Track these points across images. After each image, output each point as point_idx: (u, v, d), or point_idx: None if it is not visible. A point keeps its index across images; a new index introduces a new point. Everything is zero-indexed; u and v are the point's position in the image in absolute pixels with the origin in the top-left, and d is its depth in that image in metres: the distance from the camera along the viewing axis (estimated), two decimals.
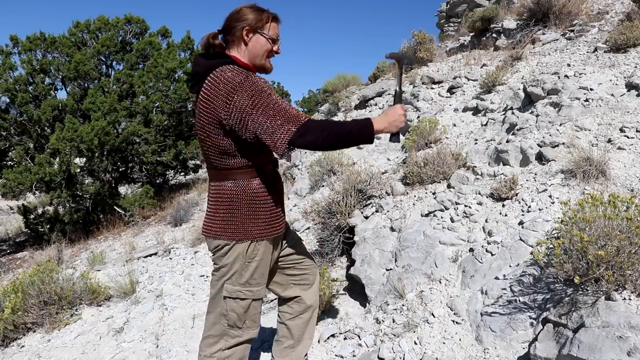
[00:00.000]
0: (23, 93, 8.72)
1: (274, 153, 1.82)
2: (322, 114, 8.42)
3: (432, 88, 6.34)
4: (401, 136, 1.86)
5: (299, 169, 6.62)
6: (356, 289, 3.27)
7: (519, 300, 2.30)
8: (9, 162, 9.42)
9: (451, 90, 5.97)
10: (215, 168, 1.76)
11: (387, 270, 3.11)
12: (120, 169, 10.10)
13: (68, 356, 3.15)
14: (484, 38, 7.55)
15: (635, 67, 4.03)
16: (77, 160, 8.79)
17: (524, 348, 2.13)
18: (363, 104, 7.60)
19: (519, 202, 3.01)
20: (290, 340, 2.15)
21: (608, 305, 1.84)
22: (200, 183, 9.09)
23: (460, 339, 2.36)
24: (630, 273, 1.91)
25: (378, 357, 2.37)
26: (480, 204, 3.20)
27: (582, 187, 2.92)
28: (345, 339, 2.72)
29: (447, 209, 3.32)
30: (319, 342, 2.72)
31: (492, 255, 2.69)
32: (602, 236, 1.95)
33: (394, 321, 2.63)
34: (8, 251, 9.02)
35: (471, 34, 8.24)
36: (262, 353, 2.74)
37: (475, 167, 3.75)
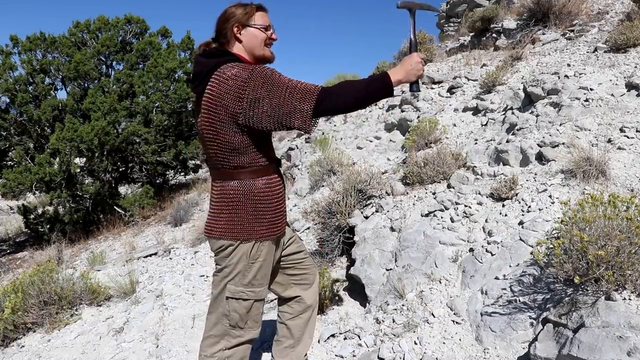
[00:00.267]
0: (23, 93, 8.71)
1: (275, 153, 1.84)
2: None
3: (432, 88, 6.34)
4: (418, 86, 1.82)
5: (299, 169, 6.62)
6: (356, 289, 3.27)
7: (519, 300, 2.30)
8: (9, 162, 9.41)
9: (451, 90, 5.97)
10: (220, 168, 1.75)
11: (387, 270, 3.11)
12: (120, 169, 10.10)
13: (68, 356, 3.15)
14: (484, 38, 7.55)
15: (635, 67, 4.03)
16: (77, 160, 8.78)
17: (524, 348, 2.13)
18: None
19: (519, 202, 3.01)
20: (290, 340, 2.15)
21: (608, 305, 1.84)
22: (200, 183, 9.09)
23: (460, 339, 2.36)
24: (630, 273, 1.91)
25: (378, 357, 2.37)
26: (480, 204, 3.20)
27: (582, 187, 2.92)
28: (345, 339, 2.72)
29: (447, 209, 3.32)
30: (319, 342, 2.72)
31: (492, 255, 2.69)
32: (602, 236, 1.95)
33: (394, 321, 2.63)
34: (8, 251, 9.02)
35: (471, 34, 8.24)
36: (262, 353, 2.74)
37: (475, 167, 3.75)
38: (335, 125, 7.53)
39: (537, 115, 3.96)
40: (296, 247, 2.07)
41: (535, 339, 2.02)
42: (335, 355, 2.56)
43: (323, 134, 7.31)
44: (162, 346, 3.05)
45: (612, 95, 3.77)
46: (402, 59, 1.74)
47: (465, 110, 5.25)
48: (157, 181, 10.75)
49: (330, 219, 3.84)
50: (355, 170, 4.42)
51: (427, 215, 3.35)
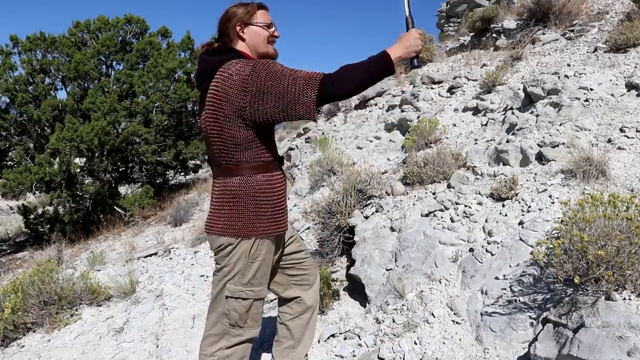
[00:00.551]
0: (23, 93, 8.71)
1: (276, 151, 1.84)
2: (322, 114, 8.42)
3: (432, 88, 6.34)
4: (418, 61, 1.80)
5: (299, 169, 6.62)
6: (356, 289, 3.27)
7: (519, 300, 2.30)
8: (9, 162, 9.41)
9: (451, 90, 5.97)
10: (223, 165, 1.76)
11: (387, 270, 3.11)
12: (120, 169, 10.09)
13: (68, 356, 3.15)
14: (484, 38, 7.56)
15: (635, 67, 4.03)
16: (77, 160, 8.78)
17: (524, 348, 2.13)
18: (363, 103, 7.60)
19: (519, 202, 3.01)
20: (290, 341, 2.15)
21: (608, 305, 1.84)
22: (200, 183, 9.10)
23: (460, 339, 2.36)
24: (630, 273, 1.91)
25: (378, 357, 2.37)
26: (480, 204, 3.20)
27: (582, 187, 2.92)
28: (345, 339, 2.72)
29: (447, 209, 3.32)
30: (319, 342, 2.72)
31: (492, 255, 2.69)
32: (602, 236, 1.95)
33: (394, 321, 2.63)
34: (8, 251, 9.02)
35: (471, 34, 8.24)
36: (262, 353, 2.74)
37: (475, 167, 3.75)
38: (335, 125, 7.53)
39: (537, 115, 3.96)
40: (297, 246, 2.07)
41: (535, 339, 2.02)
42: (335, 355, 2.56)
43: (323, 134, 7.31)
44: (162, 346, 3.05)
45: (612, 95, 3.77)
46: (400, 36, 1.73)
47: (465, 110, 5.25)
48: (157, 181, 10.75)
49: (330, 219, 3.84)
50: (355, 170, 4.42)
51: (427, 215, 3.35)
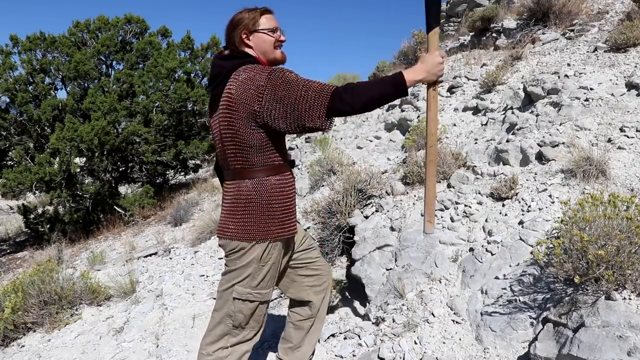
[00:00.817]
0: (23, 93, 8.71)
1: (288, 154, 1.87)
2: (335, 125, 8.43)
3: None
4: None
5: (299, 169, 6.62)
6: (356, 289, 3.27)
7: (519, 300, 2.30)
8: (9, 162, 9.41)
9: (451, 89, 5.97)
10: (236, 167, 1.76)
11: (387, 270, 3.11)
12: (120, 169, 10.09)
13: (68, 356, 3.15)
14: (484, 38, 7.55)
15: (635, 66, 4.03)
16: (77, 160, 8.78)
17: (524, 348, 2.13)
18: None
19: (519, 202, 3.01)
20: (296, 340, 2.16)
21: (608, 304, 1.84)
22: (200, 183, 9.09)
23: (460, 339, 2.36)
24: (630, 273, 1.91)
25: (378, 356, 2.37)
26: (480, 203, 3.20)
27: (582, 186, 2.92)
28: (345, 338, 2.72)
29: (447, 208, 3.32)
30: (319, 341, 2.72)
31: (492, 254, 2.69)
32: (602, 236, 1.95)
33: (394, 321, 2.63)
34: (8, 251, 9.02)
35: (471, 34, 8.24)
36: (262, 353, 2.74)
37: (475, 166, 3.75)
38: (335, 125, 7.53)
39: (537, 115, 3.96)
40: (308, 246, 2.07)
41: (535, 339, 2.02)
42: (335, 355, 2.56)
43: (323, 133, 7.31)
44: (162, 346, 3.05)
45: (612, 94, 3.77)
46: (422, 57, 1.70)
47: (465, 109, 5.25)
48: (157, 181, 10.75)
49: (330, 219, 3.84)
50: (355, 170, 4.42)
51: None
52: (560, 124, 3.65)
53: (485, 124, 4.64)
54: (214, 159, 2.09)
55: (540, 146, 3.48)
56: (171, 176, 11.29)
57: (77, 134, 7.93)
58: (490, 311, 2.36)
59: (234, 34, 1.77)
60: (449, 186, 3.62)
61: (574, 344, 1.78)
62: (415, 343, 2.41)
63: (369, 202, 3.90)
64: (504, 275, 2.50)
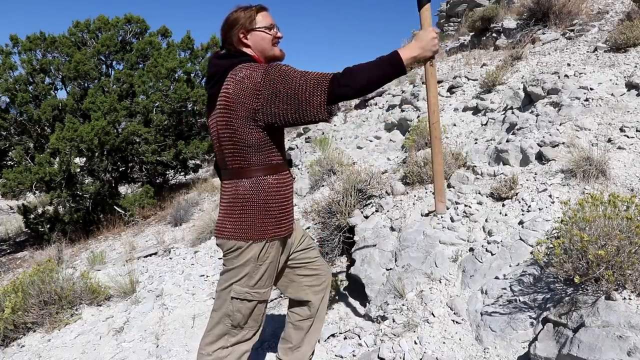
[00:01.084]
0: (23, 93, 8.71)
1: (285, 152, 1.86)
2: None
3: None
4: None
5: (299, 169, 6.62)
6: (356, 289, 3.27)
7: (519, 300, 2.30)
8: (9, 162, 9.42)
9: (451, 89, 5.97)
10: (234, 167, 1.76)
11: (387, 270, 3.11)
12: (120, 169, 10.10)
13: (68, 356, 3.15)
14: (484, 38, 7.55)
15: (635, 66, 4.03)
16: (77, 160, 8.78)
17: (524, 348, 2.13)
18: (363, 103, 7.60)
19: (519, 202, 3.01)
20: (296, 341, 2.16)
21: (608, 304, 1.84)
22: (200, 183, 9.09)
23: (460, 339, 2.36)
24: (630, 273, 1.91)
25: (378, 356, 2.37)
26: (480, 203, 3.20)
27: (582, 186, 2.92)
28: (345, 338, 2.72)
29: (447, 208, 3.32)
30: (319, 342, 2.72)
31: (492, 255, 2.69)
32: (602, 236, 1.95)
33: (394, 321, 2.63)
34: (8, 251, 9.02)
35: (471, 34, 8.24)
36: (262, 353, 2.74)
37: (475, 166, 3.75)
38: (335, 125, 7.53)
39: (537, 115, 3.96)
40: (306, 246, 2.07)
41: (535, 339, 2.02)
42: (335, 355, 2.56)
43: (323, 133, 7.31)
44: (162, 346, 3.05)
45: (612, 94, 3.77)
46: (417, 35, 1.71)
47: (465, 109, 5.25)
48: (157, 181, 10.76)
49: (330, 219, 3.84)
50: (355, 170, 4.42)
51: (427, 214, 3.35)
52: (560, 124, 3.65)
53: (485, 124, 4.64)
54: (214, 158, 2.08)
55: (540, 146, 3.48)
56: (171, 176, 11.29)
57: (77, 134, 7.94)
58: (490, 311, 2.36)
59: (231, 33, 1.76)
60: (449, 186, 3.62)
61: (574, 344, 1.78)
62: (415, 343, 2.41)
63: (369, 202, 3.90)
64: (504, 275, 2.50)
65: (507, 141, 3.74)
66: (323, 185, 5.29)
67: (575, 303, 1.97)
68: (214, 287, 3.89)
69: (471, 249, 2.87)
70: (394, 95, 6.94)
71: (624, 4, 5.85)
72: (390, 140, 5.88)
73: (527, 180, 3.23)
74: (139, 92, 9.22)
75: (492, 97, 5.01)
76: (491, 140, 4.19)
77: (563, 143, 3.42)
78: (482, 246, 2.80)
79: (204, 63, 10.21)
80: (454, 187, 3.55)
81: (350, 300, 3.26)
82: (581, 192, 2.87)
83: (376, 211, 3.72)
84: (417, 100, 6.05)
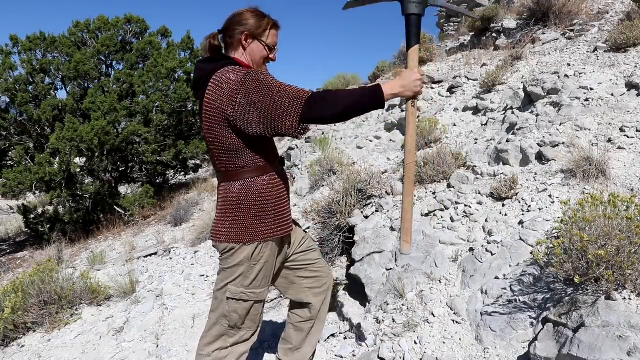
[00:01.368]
0: (23, 93, 8.72)
1: (278, 151, 1.85)
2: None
3: (432, 88, 6.34)
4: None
5: (299, 169, 6.62)
6: (356, 289, 3.27)
7: (519, 300, 2.30)
8: (9, 162, 9.42)
9: (451, 89, 5.97)
10: (224, 170, 1.76)
11: (387, 270, 3.11)
12: (120, 169, 10.10)
13: (68, 356, 3.15)
14: (484, 38, 7.56)
15: (635, 66, 4.03)
16: (77, 160, 8.79)
17: (524, 348, 2.13)
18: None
19: (519, 202, 3.01)
20: (297, 341, 2.15)
21: (608, 304, 1.84)
22: (200, 183, 9.10)
23: (460, 339, 2.36)
24: (630, 273, 1.91)
25: (378, 356, 2.37)
26: (480, 203, 3.20)
27: (582, 186, 2.92)
28: (345, 338, 2.72)
29: (447, 208, 3.32)
30: (319, 342, 2.72)
31: (492, 254, 2.69)
32: (602, 236, 1.95)
33: (394, 321, 2.63)
34: (8, 251, 9.03)
35: (471, 34, 8.25)
36: (262, 353, 2.74)
37: (475, 166, 3.75)
38: (335, 125, 7.54)
39: (537, 115, 3.96)
40: (307, 248, 2.05)
41: (535, 339, 2.02)
42: (335, 355, 2.56)
43: (323, 133, 7.31)
44: (162, 346, 3.05)
45: (612, 94, 3.77)
46: (401, 73, 1.72)
47: (465, 109, 5.25)
48: (157, 181, 10.76)
49: (330, 219, 3.84)
50: (355, 170, 4.42)
51: (427, 214, 3.35)
52: (560, 124, 3.65)
53: (485, 124, 4.64)
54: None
55: (540, 146, 3.48)
56: (171, 176, 11.29)
57: (77, 134, 7.94)
58: (490, 311, 2.36)
59: (237, 28, 1.74)
60: (449, 186, 3.62)
61: (574, 344, 1.78)
62: (415, 343, 2.41)
63: (369, 202, 3.90)
64: (504, 275, 2.50)
65: (507, 141, 3.74)
66: (323, 185, 5.29)
67: (575, 303, 1.97)
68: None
69: (471, 249, 2.87)
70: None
71: (624, 4, 5.85)
72: (390, 140, 5.88)
73: (527, 180, 3.23)
74: (139, 92, 9.23)
75: (492, 97, 5.01)
76: (491, 140, 4.19)
77: (563, 143, 3.42)
78: (482, 246, 2.80)
79: None
80: (454, 187, 3.55)
81: (350, 300, 3.26)
82: (581, 192, 2.87)
83: (376, 211, 3.72)
84: (417, 101, 6.05)
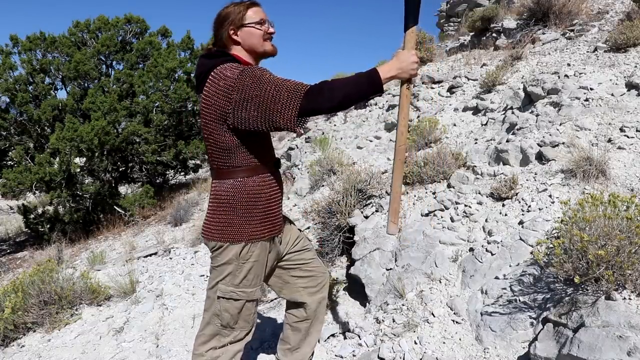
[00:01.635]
0: (23, 93, 8.71)
1: (274, 151, 1.83)
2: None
3: (432, 88, 6.34)
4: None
5: (299, 169, 6.62)
6: (356, 289, 3.27)
7: (519, 300, 2.30)
8: (9, 162, 9.42)
9: (451, 89, 5.97)
10: (217, 167, 1.76)
11: (387, 270, 3.11)
12: (120, 169, 10.10)
13: (68, 356, 3.15)
14: (484, 38, 7.56)
15: (635, 66, 4.03)
16: (77, 160, 8.78)
17: (524, 348, 2.13)
18: (363, 103, 7.60)
19: (519, 202, 3.01)
20: (295, 342, 2.15)
21: (608, 304, 1.84)
22: (200, 183, 9.10)
23: (460, 339, 2.36)
24: (630, 273, 1.91)
25: (378, 356, 2.37)
26: (480, 203, 3.20)
27: (582, 186, 2.92)
28: (345, 338, 2.72)
29: (447, 208, 3.32)
30: (319, 342, 2.72)
31: (492, 254, 2.69)
32: (602, 236, 1.95)
33: (394, 321, 2.63)
34: (8, 251, 9.03)
35: (471, 34, 8.25)
36: (262, 353, 2.74)
37: (475, 166, 3.75)
38: (335, 125, 7.53)
39: (537, 115, 3.96)
40: (301, 247, 2.04)
41: (535, 339, 2.02)
42: (335, 355, 2.56)
43: (323, 133, 7.31)
44: (162, 346, 3.05)
45: (612, 94, 3.77)
46: (398, 54, 1.67)
47: (465, 109, 5.25)
48: (157, 181, 10.76)
49: (330, 219, 3.84)
50: (355, 170, 4.42)
51: (427, 214, 3.35)
52: (560, 124, 3.65)
53: (485, 124, 4.64)
54: None
55: (540, 146, 3.48)
56: (171, 176, 11.29)
57: (77, 134, 7.94)
58: (490, 311, 2.36)
59: (222, 30, 1.74)
60: (449, 186, 3.62)
61: (574, 344, 1.78)
62: (415, 343, 2.41)
63: (369, 202, 3.90)
64: (504, 275, 2.50)
65: (507, 141, 3.74)
66: (323, 185, 5.29)
67: (575, 303, 1.97)
68: None
69: (471, 249, 2.87)
70: (394, 95, 6.94)
71: (624, 4, 5.85)
72: (391, 140, 5.88)
73: (527, 180, 3.23)
74: (139, 92, 9.22)
75: (492, 97, 5.01)
76: (491, 140, 4.19)
77: (563, 143, 3.42)
78: (482, 246, 2.80)
79: None
80: (454, 187, 3.55)
81: (350, 300, 3.26)
82: (581, 192, 2.87)
83: (376, 211, 3.72)
84: (417, 100, 6.05)
